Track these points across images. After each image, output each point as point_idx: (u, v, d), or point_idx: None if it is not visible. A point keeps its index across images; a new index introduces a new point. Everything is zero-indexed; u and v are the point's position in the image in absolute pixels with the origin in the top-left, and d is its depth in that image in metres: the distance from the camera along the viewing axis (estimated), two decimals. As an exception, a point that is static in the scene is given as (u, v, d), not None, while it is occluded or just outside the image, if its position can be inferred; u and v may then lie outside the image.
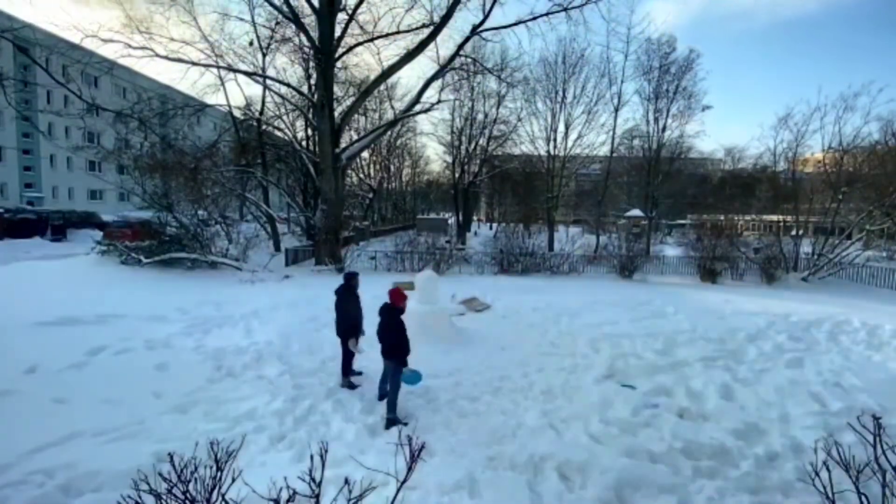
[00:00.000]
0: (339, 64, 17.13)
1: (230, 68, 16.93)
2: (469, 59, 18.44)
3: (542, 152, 26.72)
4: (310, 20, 15.47)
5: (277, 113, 21.25)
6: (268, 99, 20.40)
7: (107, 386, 5.28)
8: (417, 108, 18.16)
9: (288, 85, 18.07)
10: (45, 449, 3.98)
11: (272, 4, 15.38)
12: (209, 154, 17.64)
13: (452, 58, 16.57)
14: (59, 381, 5.31)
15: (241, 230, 16.36)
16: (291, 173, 22.41)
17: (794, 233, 16.18)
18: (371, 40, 16.32)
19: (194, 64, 15.43)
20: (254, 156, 20.37)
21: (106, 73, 15.17)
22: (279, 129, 20.70)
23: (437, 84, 19.05)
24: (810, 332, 8.23)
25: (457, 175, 32.29)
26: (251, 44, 18.90)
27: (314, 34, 15.11)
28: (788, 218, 17.11)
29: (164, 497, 1.83)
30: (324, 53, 14.89)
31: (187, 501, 1.83)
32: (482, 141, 30.85)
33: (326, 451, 1.99)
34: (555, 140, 25.70)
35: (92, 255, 13.64)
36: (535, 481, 3.87)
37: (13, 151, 34.24)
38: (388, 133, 32.55)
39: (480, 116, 30.01)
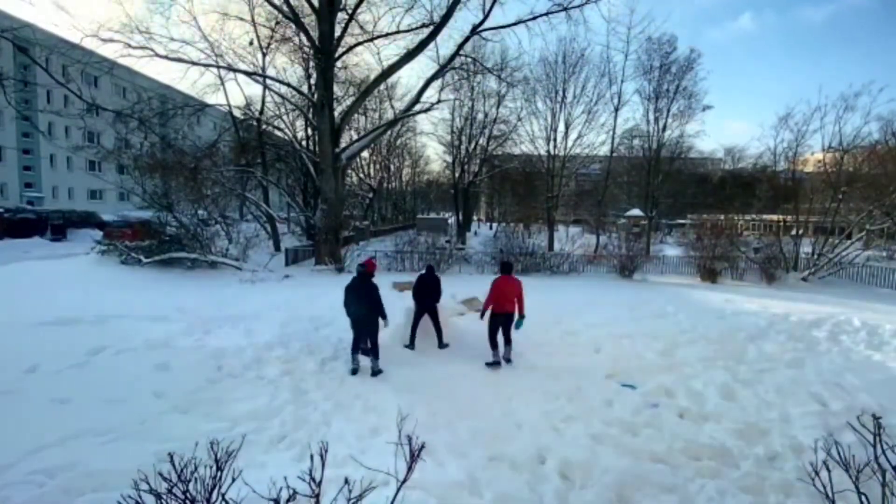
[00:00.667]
0: (339, 64, 17.13)
1: (230, 68, 16.93)
2: (469, 59, 18.43)
3: (542, 152, 26.71)
4: (310, 20, 15.47)
5: (277, 113, 21.27)
6: (268, 99, 20.43)
7: (107, 386, 5.28)
8: (417, 107, 18.16)
9: (288, 84, 18.08)
10: (45, 449, 3.97)
11: (272, 4, 15.38)
12: (209, 154, 17.65)
13: (452, 57, 16.56)
14: (59, 381, 5.32)
15: (241, 230, 16.38)
16: (291, 173, 22.42)
17: (794, 232, 16.17)
18: (371, 40, 16.33)
19: (194, 64, 15.43)
20: (254, 156, 20.38)
21: (106, 72, 15.18)
22: (279, 129, 20.70)
23: (437, 84, 19.06)
24: (810, 332, 8.23)
25: (457, 175, 32.28)
26: (251, 43, 18.92)
27: (314, 34, 15.11)
28: (788, 218, 17.08)
29: (164, 497, 1.83)
30: (324, 53, 14.89)
31: (187, 501, 1.83)
32: (482, 140, 30.86)
33: (326, 451, 1.99)
34: (555, 140, 25.71)
35: (92, 254, 13.65)
36: (535, 481, 3.87)
37: (13, 151, 34.24)
38: (388, 133, 32.55)
39: (480, 116, 30.04)
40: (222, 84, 19.30)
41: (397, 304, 8.77)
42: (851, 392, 5.69)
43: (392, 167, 43.62)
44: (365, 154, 33.79)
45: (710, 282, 14.65)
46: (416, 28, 15.90)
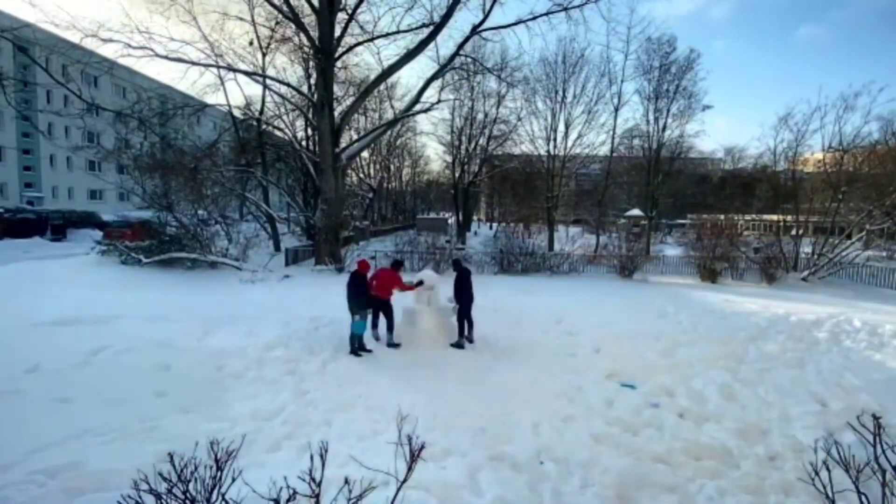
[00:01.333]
0: (339, 64, 17.12)
1: (230, 68, 16.92)
2: (469, 59, 18.41)
3: (542, 152, 26.69)
4: (310, 20, 15.46)
5: (277, 113, 21.26)
6: (268, 99, 20.42)
7: (108, 386, 5.28)
8: (417, 107, 18.16)
9: (288, 84, 18.07)
10: (46, 448, 3.98)
11: (272, 4, 15.37)
12: (209, 154, 17.65)
13: (452, 57, 16.56)
14: (59, 381, 5.32)
15: (241, 230, 16.38)
16: (291, 173, 22.42)
17: (794, 232, 16.17)
18: (371, 40, 16.32)
19: (194, 64, 15.42)
20: (254, 156, 20.37)
21: (106, 72, 15.18)
22: (279, 129, 20.69)
23: (436, 84, 19.03)
24: (810, 332, 8.23)
25: (457, 175, 32.27)
26: (251, 43, 18.91)
27: (314, 34, 15.11)
28: (788, 218, 17.06)
29: (164, 497, 1.83)
30: (324, 53, 14.88)
31: (187, 501, 1.83)
32: (482, 140, 30.83)
33: (326, 451, 1.99)
34: (555, 140, 25.70)
35: (92, 254, 13.65)
36: (535, 481, 3.87)
37: (13, 151, 34.23)
38: (388, 133, 32.56)
39: (480, 116, 30.00)
40: (222, 84, 19.30)
41: (397, 306, 8.78)
42: (851, 392, 5.70)
43: (392, 167, 43.63)
44: (365, 154, 33.82)
45: (710, 282, 14.64)
46: (416, 28, 15.89)
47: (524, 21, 15.49)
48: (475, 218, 50.32)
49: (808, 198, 16.43)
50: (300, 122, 22.13)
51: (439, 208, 57.73)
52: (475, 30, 15.47)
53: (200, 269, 13.54)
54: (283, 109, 21.15)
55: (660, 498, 3.73)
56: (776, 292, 12.92)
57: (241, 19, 18.28)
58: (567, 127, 25.40)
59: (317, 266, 15.40)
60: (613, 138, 25.61)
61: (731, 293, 12.36)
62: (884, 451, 2.11)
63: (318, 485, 1.85)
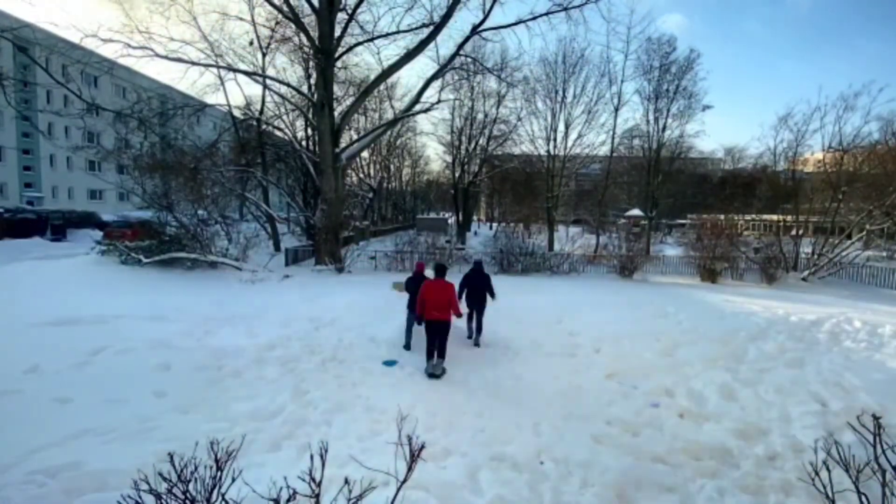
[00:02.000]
0: (339, 64, 17.13)
1: (230, 68, 16.93)
2: (469, 59, 18.42)
3: (542, 152, 26.71)
4: (310, 20, 15.47)
5: (277, 113, 21.26)
6: (268, 99, 20.42)
7: (108, 386, 5.28)
8: (417, 107, 18.16)
9: (288, 85, 18.07)
10: (46, 449, 3.97)
11: (272, 4, 15.37)
12: (209, 154, 17.63)
13: (452, 57, 16.57)
14: (59, 381, 5.32)
15: (241, 230, 16.36)
16: (291, 173, 22.41)
17: (794, 232, 16.17)
18: (371, 40, 16.32)
19: (194, 64, 15.43)
20: (254, 156, 20.37)
21: (106, 72, 15.17)
22: (279, 129, 20.70)
23: (436, 84, 19.05)
24: (810, 331, 8.22)
25: (457, 175, 32.28)
26: (251, 43, 18.93)
27: (314, 34, 15.11)
28: (788, 218, 17.07)
29: (164, 497, 1.83)
30: (324, 53, 14.89)
31: (187, 501, 1.83)
32: (482, 141, 30.85)
33: (326, 451, 1.99)
34: (555, 140, 25.72)
35: (92, 255, 13.64)
36: (535, 481, 3.87)
37: (13, 151, 34.23)
38: (388, 133, 32.55)
39: (480, 116, 30.02)
40: (222, 84, 19.31)
41: (397, 306, 8.80)
42: (851, 392, 5.69)
43: (392, 167, 43.63)
44: (365, 154, 33.80)
45: (710, 282, 14.64)
46: (416, 28, 15.90)
47: (524, 21, 15.51)
48: (475, 218, 50.33)
49: (808, 198, 16.43)
50: (300, 122, 22.15)
51: (439, 208, 57.74)
52: (475, 30, 15.48)
53: (200, 269, 13.53)
54: (283, 109, 21.17)
55: (660, 498, 3.73)
56: (776, 292, 12.92)
57: (241, 19, 18.34)
58: (567, 127, 25.44)
59: (317, 266, 15.40)
60: (613, 138, 25.65)
61: (731, 293, 12.36)
62: (884, 451, 2.11)
63: (318, 485, 1.85)
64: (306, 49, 17.86)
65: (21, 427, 4.31)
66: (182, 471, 1.86)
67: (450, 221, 37.02)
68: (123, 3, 15.57)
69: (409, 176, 49.98)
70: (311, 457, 1.94)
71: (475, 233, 36.76)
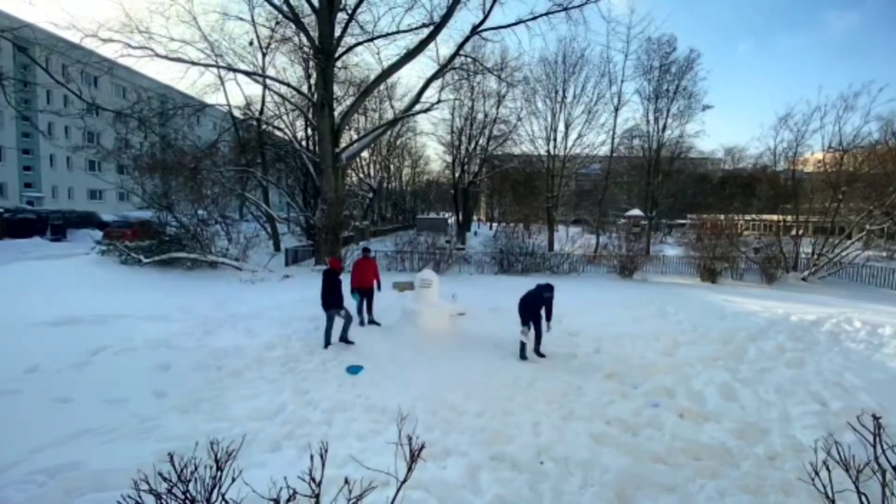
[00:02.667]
0: (339, 64, 17.12)
1: (230, 68, 16.92)
2: (469, 59, 18.41)
3: (542, 152, 26.69)
4: (310, 20, 15.47)
5: (277, 113, 21.25)
6: (268, 99, 20.41)
7: (108, 386, 5.28)
8: (417, 107, 18.15)
9: (288, 85, 18.07)
10: (46, 448, 3.98)
11: (272, 4, 15.37)
12: (209, 154, 17.63)
13: (452, 57, 16.56)
14: (59, 381, 5.32)
15: (241, 230, 16.37)
16: (291, 173, 22.41)
17: (794, 232, 16.16)
18: (371, 40, 16.32)
19: (194, 64, 15.42)
20: (254, 156, 20.37)
21: (106, 72, 15.16)
22: (279, 129, 20.69)
23: (436, 84, 19.04)
24: (810, 331, 8.22)
25: (457, 175, 32.26)
26: (251, 43, 18.92)
27: (314, 34, 15.11)
28: (788, 218, 17.07)
29: (164, 497, 1.83)
30: (324, 53, 14.88)
31: (187, 501, 1.83)
32: (482, 141, 30.82)
33: (326, 451, 1.99)
34: (555, 140, 25.69)
35: (92, 254, 13.64)
36: (535, 481, 3.87)
37: (13, 151, 34.21)
38: (388, 133, 32.53)
39: (480, 116, 29.99)
40: (222, 84, 19.30)
41: (396, 306, 8.81)
42: (851, 392, 5.70)
43: (392, 167, 43.60)
44: (365, 154, 33.77)
45: (710, 282, 14.64)
46: (416, 28, 15.89)
47: (524, 21, 15.50)
48: (475, 218, 50.31)
49: (808, 198, 16.42)
50: (300, 122, 22.14)
51: (439, 208, 57.69)
52: (475, 30, 15.47)
53: (200, 269, 13.54)
54: (283, 109, 21.16)
55: (660, 498, 3.73)
56: (776, 292, 12.92)
57: (241, 19, 18.34)
58: (567, 127, 25.40)
59: (317, 266, 15.40)
60: (613, 138, 25.61)
61: (731, 293, 12.35)
62: (884, 451, 2.11)
63: (318, 485, 1.85)
64: (306, 49, 17.85)
65: (21, 427, 4.31)
66: (182, 471, 1.86)
67: (450, 221, 37.00)
68: (123, 3, 15.57)
69: (409, 176, 49.99)
70: (311, 457, 1.94)
71: (475, 233, 36.75)
